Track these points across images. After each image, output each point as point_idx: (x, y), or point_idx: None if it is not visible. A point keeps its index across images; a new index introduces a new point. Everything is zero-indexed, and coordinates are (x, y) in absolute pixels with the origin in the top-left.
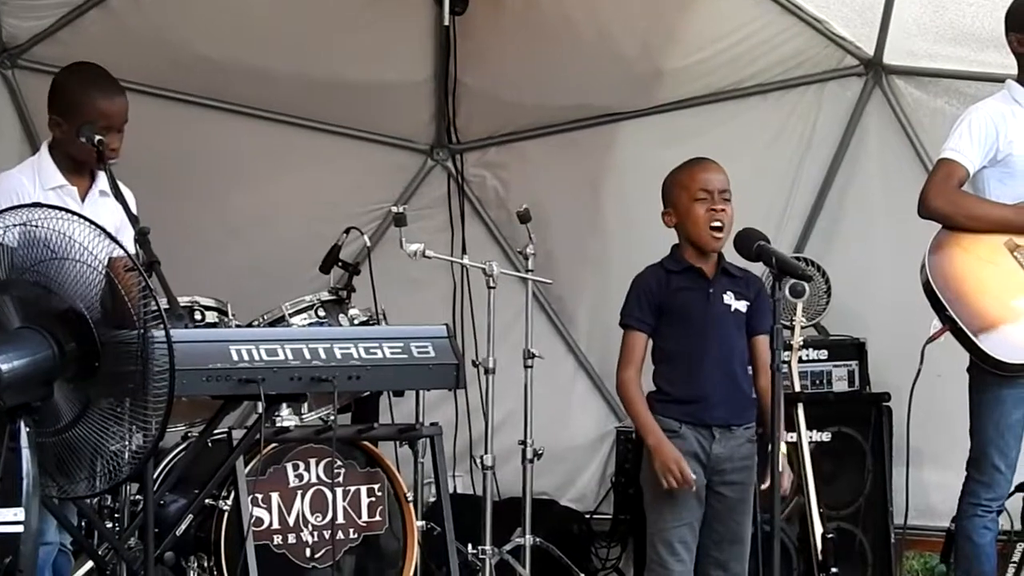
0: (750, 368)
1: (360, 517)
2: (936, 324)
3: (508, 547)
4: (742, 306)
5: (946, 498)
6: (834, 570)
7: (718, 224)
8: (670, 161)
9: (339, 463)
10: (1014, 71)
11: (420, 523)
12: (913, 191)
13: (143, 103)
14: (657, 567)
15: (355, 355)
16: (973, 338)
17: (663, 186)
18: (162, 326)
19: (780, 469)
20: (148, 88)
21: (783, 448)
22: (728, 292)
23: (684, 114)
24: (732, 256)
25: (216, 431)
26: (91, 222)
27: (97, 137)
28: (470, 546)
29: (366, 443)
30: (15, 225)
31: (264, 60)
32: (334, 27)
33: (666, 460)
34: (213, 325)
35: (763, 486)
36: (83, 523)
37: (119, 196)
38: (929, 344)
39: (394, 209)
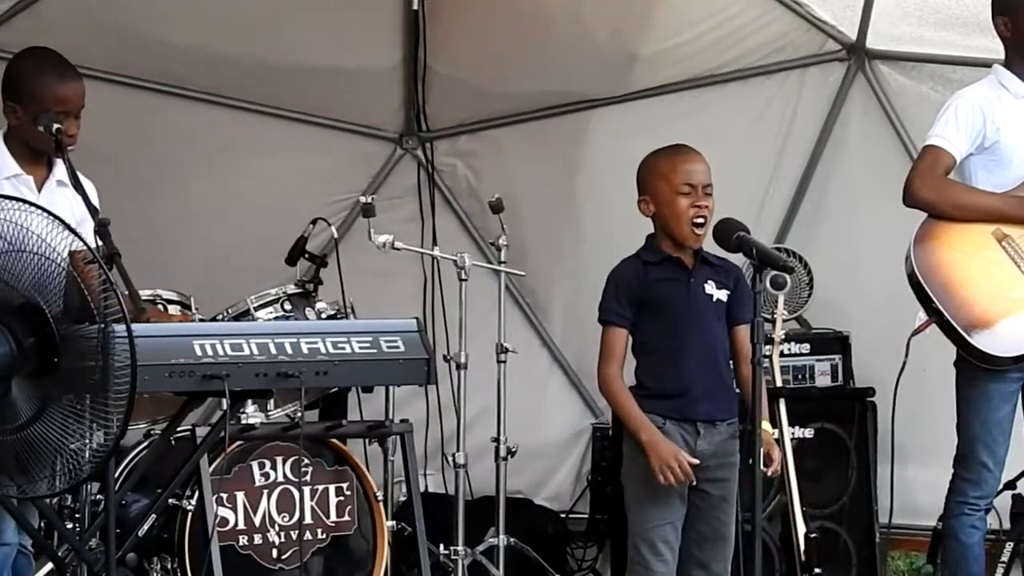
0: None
1: (328, 517)
2: (921, 316)
3: (481, 548)
4: (723, 295)
5: (932, 496)
6: (817, 571)
7: (701, 221)
8: (646, 149)
9: (306, 461)
10: (1001, 56)
11: (390, 523)
12: (897, 179)
13: (103, 90)
14: (639, 568)
15: (322, 350)
16: (960, 331)
17: (640, 171)
18: (123, 320)
19: (765, 448)
20: (108, 75)
21: (768, 428)
22: (709, 281)
23: (660, 101)
24: (710, 247)
25: (179, 429)
26: (50, 213)
27: (55, 125)
28: (442, 547)
29: (334, 441)
30: None
31: (228, 46)
32: (300, 12)
33: (665, 455)
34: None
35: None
36: (43, 524)
37: (78, 187)
38: (914, 337)
39: (362, 199)
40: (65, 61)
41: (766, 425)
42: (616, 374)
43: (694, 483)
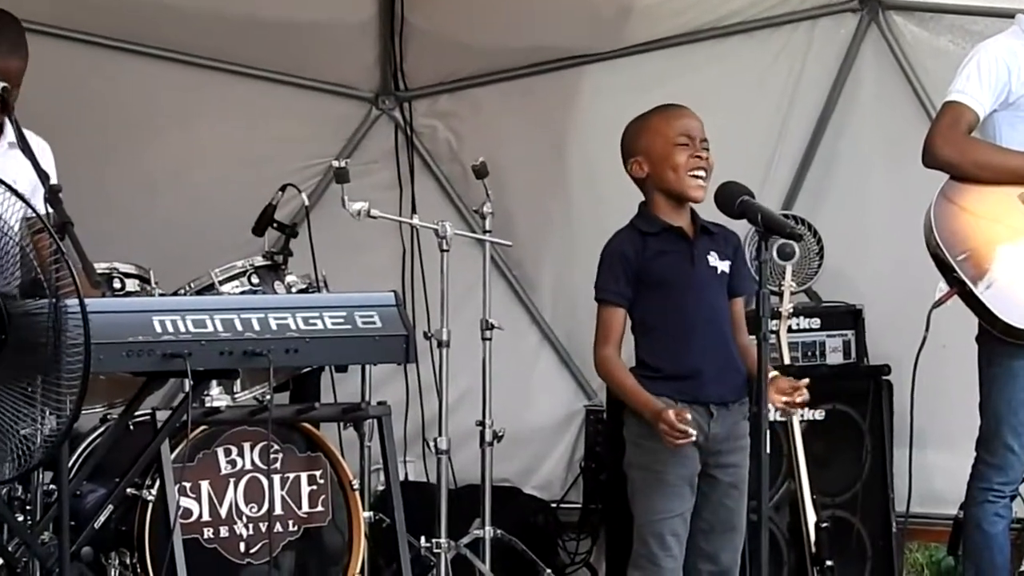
0: None
1: (300, 508)
2: (942, 287)
3: (466, 540)
4: (725, 266)
5: (953, 483)
6: (829, 563)
7: (702, 173)
8: (641, 109)
9: (276, 448)
10: None
11: (367, 514)
12: (914, 139)
13: (51, 47)
14: (645, 563)
15: (293, 326)
16: (984, 301)
17: (626, 134)
18: (76, 294)
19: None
20: (56, 30)
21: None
22: (711, 252)
23: (656, 57)
24: (710, 214)
25: (138, 412)
26: None
27: (1, 84)
28: (423, 539)
29: (306, 425)
30: None
31: None
32: None
33: (667, 421)
34: (134, 294)
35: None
36: None
37: (27, 149)
38: (935, 310)
39: (335, 164)
40: (10, 28)
41: (774, 373)
42: (615, 355)
43: (694, 436)
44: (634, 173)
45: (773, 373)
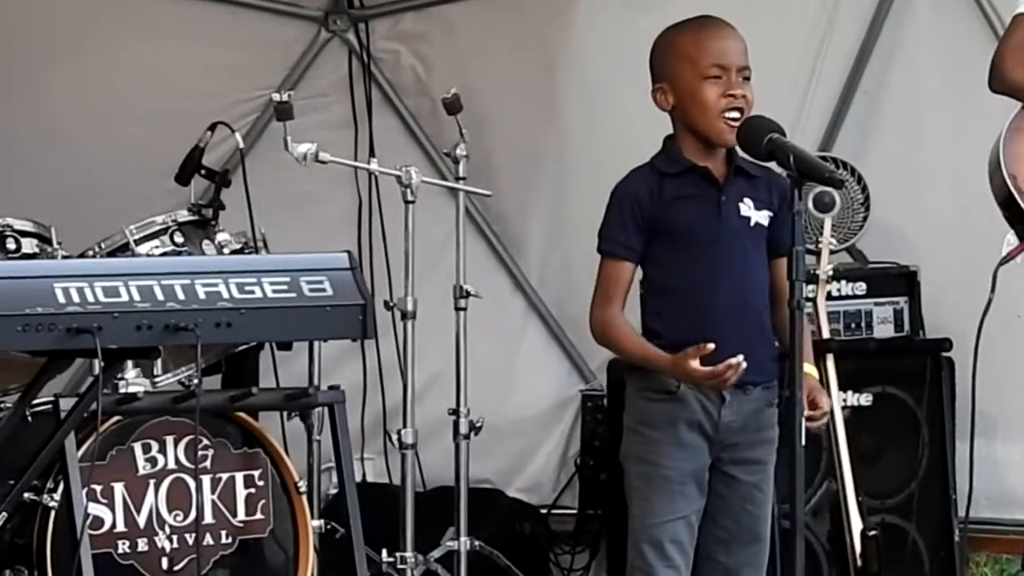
0: None
1: (235, 515)
2: (1011, 240)
3: (436, 554)
4: (763, 217)
5: None
6: None
7: (736, 115)
8: (647, 29)
9: (205, 442)
10: None
11: (316, 523)
12: (977, 64)
13: None
14: (640, 574)
15: (225, 295)
16: None
17: (654, 51)
18: None
19: (808, 396)
20: None
21: (812, 372)
22: (745, 199)
23: None
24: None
25: (37, 400)
26: None
27: None
28: (385, 553)
29: (242, 415)
30: None
31: None
32: None
33: (689, 371)
34: (32, 256)
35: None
36: None
37: None
38: (1002, 269)
39: (275, 97)
40: None
41: (809, 368)
42: (617, 315)
43: (744, 364)
44: (659, 103)
45: (809, 368)
